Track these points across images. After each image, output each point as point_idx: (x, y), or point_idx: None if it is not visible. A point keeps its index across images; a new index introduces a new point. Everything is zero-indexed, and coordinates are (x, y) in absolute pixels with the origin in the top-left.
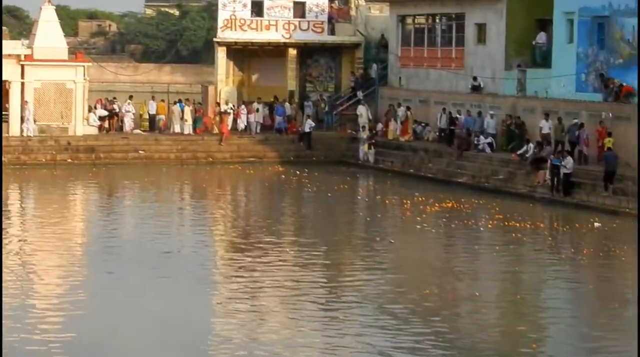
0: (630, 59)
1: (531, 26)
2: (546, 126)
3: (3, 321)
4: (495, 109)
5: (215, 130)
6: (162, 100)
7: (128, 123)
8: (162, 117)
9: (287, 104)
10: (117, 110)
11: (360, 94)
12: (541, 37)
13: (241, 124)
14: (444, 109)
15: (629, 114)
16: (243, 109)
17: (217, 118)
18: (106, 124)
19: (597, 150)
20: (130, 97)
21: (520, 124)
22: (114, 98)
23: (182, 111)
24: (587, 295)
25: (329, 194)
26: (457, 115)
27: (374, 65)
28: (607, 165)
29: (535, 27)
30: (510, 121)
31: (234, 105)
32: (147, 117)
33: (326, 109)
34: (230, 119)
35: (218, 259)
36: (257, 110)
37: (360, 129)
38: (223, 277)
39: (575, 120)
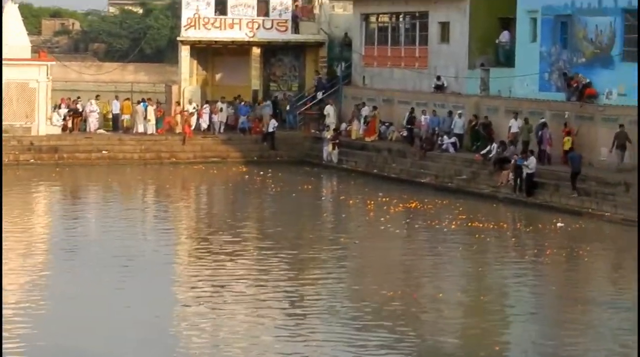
0: (593, 57)
1: (494, 25)
2: (515, 125)
3: None
4: (459, 109)
5: (178, 130)
6: (128, 99)
7: (92, 123)
8: (128, 116)
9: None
10: (81, 109)
11: (320, 95)
12: (504, 36)
13: (203, 124)
14: (412, 109)
15: (592, 113)
16: (206, 109)
17: (178, 117)
18: (70, 124)
19: (561, 151)
20: (97, 97)
21: (488, 124)
22: (78, 97)
23: (146, 111)
24: (550, 296)
25: (293, 194)
26: (423, 115)
27: (342, 63)
28: (572, 166)
29: (498, 26)
30: (476, 121)
31: (197, 105)
32: (110, 116)
33: (288, 108)
34: (193, 118)
35: (181, 260)
36: (221, 109)
37: (326, 129)
38: (185, 279)
39: (543, 120)
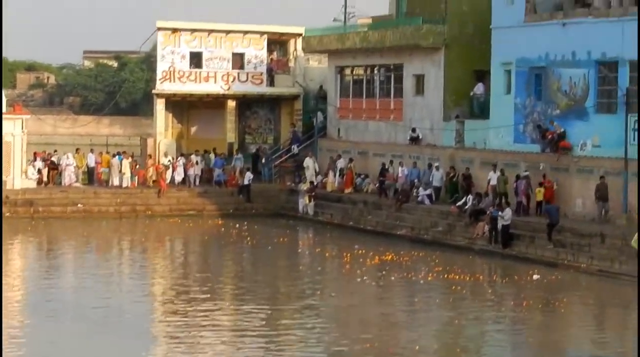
0: (568, 109)
1: (469, 77)
2: (494, 178)
3: None
4: (435, 161)
5: (151, 182)
6: (107, 152)
7: (68, 176)
8: (107, 169)
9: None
10: (57, 163)
11: (295, 148)
12: (479, 88)
13: (177, 177)
14: (391, 162)
15: (567, 165)
16: (180, 161)
17: (151, 170)
18: (45, 177)
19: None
20: (77, 151)
21: (468, 176)
22: (55, 151)
23: (121, 164)
24: (527, 348)
25: (269, 247)
26: (400, 167)
27: (319, 113)
28: (549, 218)
29: (472, 78)
30: (454, 173)
31: (172, 158)
32: (86, 170)
33: (263, 161)
34: (169, 172)
35: (157, 314)
36: (196, 162)
37: (302, 181)
38: (162, 332)
39: (526, 173)
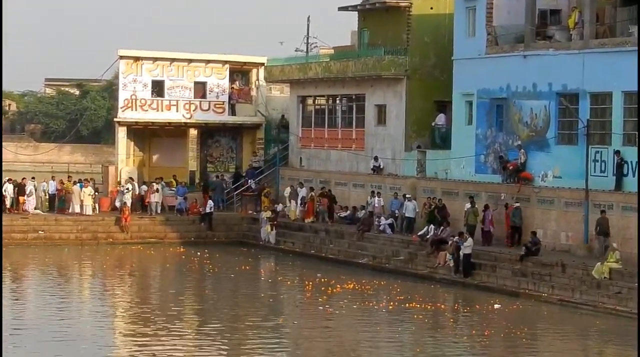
0: (529, 140)
1: (430, 108)
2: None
3: None
4: (396, 190)
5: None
6: (69, 177)
7: (30, 203)
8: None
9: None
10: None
11: (253, 184)
12: (440, 119)
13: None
14: (372, 193)
15: (528, 195)
16: (142, 189)
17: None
18: (8, 204)
19: (505, 231)
20: (33, 178)
21: (442, 207)
22: (33, 178)
23: (82, 191)
24: None
25: (232, 275)
26: (377, 197)
27: (278, 146)
28: (534, 249)
29: (434, 109)
30: (435, 204)
31: (133, 185)
32: (47, 197)
33: (215, 190)
34: (129, 199)
35: (117, 343)
36: (157, 190)
37: (263, 210)
38: None
39: (517, 204)
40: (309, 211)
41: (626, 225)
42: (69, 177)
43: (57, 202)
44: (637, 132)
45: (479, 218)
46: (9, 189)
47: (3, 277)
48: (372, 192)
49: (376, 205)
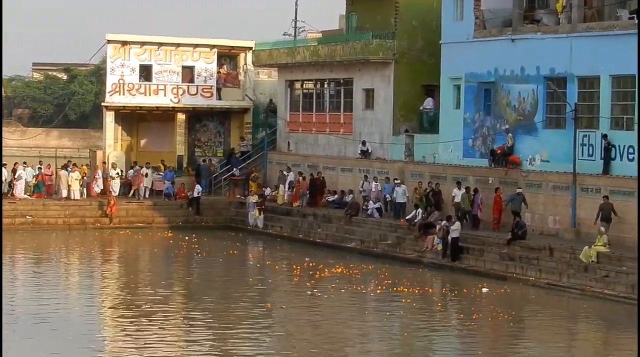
0: (517, 124)
1: (418, 92)
2: (459, 195)
3: None
4: (384, 174)
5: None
6: (49, 165)
7: (19, 188)
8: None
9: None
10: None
11: (236, 171)
12: (428, 103)
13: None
14: (365, 177)
15: (516, 179)
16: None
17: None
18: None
19: (491, 216)
20: (24, 163)
21: (437, 192)
22: (25, 162)
23: (69, 176)
24: None
25: (220, 260)
26: (374, 182)
27: (261, 131)
28: (520, 232)
29: (422, 93)
30: (431, 189)
31: (121, 170)
32: (35, 182)
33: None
34: (117, 183)
35: (105, 327)
36: (146, 175)
37: (251, 194)
38: (109, 345)
39: (519, 190)
40: (296, 195)
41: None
42: (48, 165)
43: (33, 188)
44: (637, 117)
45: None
46: (5, 174)
47: None
48: (365, 176)
49: (373, 189)
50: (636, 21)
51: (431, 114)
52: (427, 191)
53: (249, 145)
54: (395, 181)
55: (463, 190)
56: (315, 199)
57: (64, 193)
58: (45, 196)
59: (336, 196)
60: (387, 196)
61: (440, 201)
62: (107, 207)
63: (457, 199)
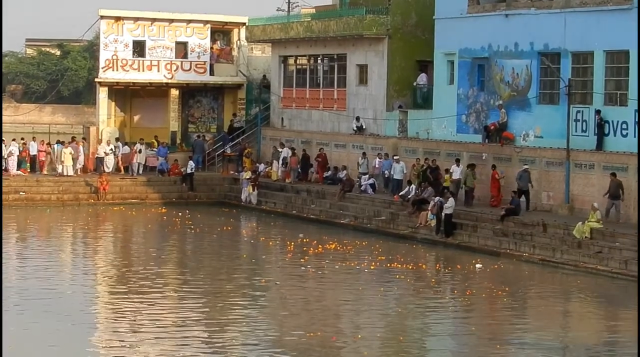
0: (510, 100)
1: (412, 67)
2: (457, 171)
3: None
4: (377, 150)
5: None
6: (33, 138)
7: (12, 164)
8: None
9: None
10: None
11: (228, 149)
12: (422, 79)
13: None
14: (363, 154)
15: (510, 155)
16: (123, 149)
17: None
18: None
19: (492, 192)
20: (14, 140)
21: (435, 168)
22: (22, 138)
23: (61, 152)
24: (469, 336)
25: (214, 235)
26: (378, 158)
27: (255, 107)
28: (515, 210)
29: (416, 69)
30: (426, 165)
31: (115, 146)
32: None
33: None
34: (111, 160)
35: (99, 302)
36: (139, 151)
37: (244, 170)
38: (104, 321)
39: (526, 166)
40: (288, 172)
41: (607, 184)
42: (34, 137)
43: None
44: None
45: (476, 182)
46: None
47: None
48: (364, 153)
49: (377, 166)
50: None
51: (425, 90)
52: (424, 167)
53: (242, 121)
54: (394, 158)
55: (461, 166)
56: (306, 175)
57: (59, 169)
58: (29, 172)
59: (330, 172)
60: (386, 172)
61: (438, 177)
62: (99, 186)
63: (456, 176)
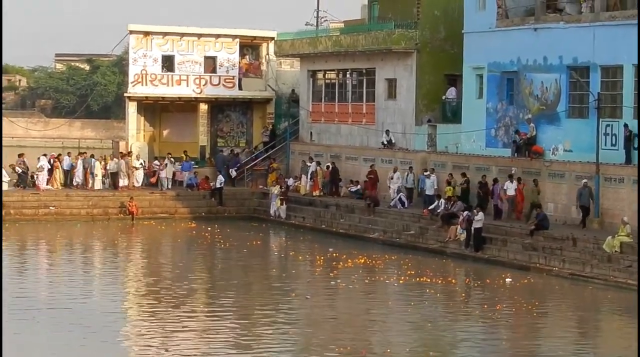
0: (539, 114)
1: (441, 81)
2: (511, 188)
3: None
4: (407, 164)
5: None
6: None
7: (42, 179)
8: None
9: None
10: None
11: (233, 172)
12: (451, 93)
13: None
14: (410, 168)
15: (539, 168)
16: (155, 165)
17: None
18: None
19: (521, 206)
20: (45, 155)
21: (484, 184)
22: (59, 155)
23: (92, 166)
24: (500, 351)
25: (244, 250)
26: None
27: (283, 121)
28: (543, 223)
29: (444, 83)
30: (463, 180)
31: (144, 161)
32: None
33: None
34: (140, 174)
35: (130, 318)
36: (166, 165)
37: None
38: (134, 337)
39: (585, 180)
40: (315, 185)
41: (637, 198)
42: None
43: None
44: None
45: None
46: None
47: (12, 253)
48: (395, 168)
49: (411, 181)
50: None
51: (454, 104)
52: (462, 183)
53: (267, 136)
54: (425, 173)
55: (514, 183)
56: (336, 189)
57: (91, 183)
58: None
59: (359, 187)
60: (424, 188)
61: (487, 193)
62: (129, 208)
63: (510, 193)
